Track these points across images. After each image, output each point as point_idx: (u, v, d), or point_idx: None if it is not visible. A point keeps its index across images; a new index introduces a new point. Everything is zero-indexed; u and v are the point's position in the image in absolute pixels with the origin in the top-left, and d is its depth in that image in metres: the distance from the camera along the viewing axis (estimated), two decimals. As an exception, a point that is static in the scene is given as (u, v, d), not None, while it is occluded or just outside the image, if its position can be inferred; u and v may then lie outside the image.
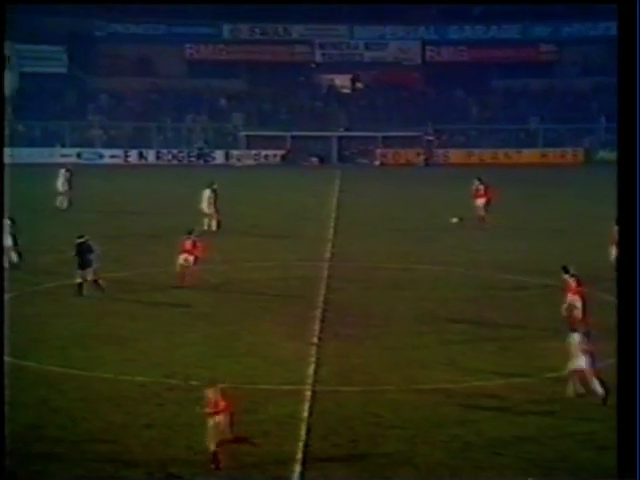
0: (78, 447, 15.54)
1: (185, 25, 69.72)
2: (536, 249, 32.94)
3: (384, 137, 65.96)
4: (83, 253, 26.02)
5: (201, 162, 63.65)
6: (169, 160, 64.12)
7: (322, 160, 65.28)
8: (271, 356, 20.44)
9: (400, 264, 30.46)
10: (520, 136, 67.84)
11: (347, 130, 67.00)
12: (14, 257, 28.87)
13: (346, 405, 17.62)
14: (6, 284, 26.28)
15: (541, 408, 17.40)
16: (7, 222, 28.37)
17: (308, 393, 18.12)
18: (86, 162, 62.23)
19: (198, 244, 27.62)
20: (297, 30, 71.28)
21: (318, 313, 24.10)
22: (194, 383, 18.52)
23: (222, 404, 14.77)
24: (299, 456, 15.27)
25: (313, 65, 71.81)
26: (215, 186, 36.84)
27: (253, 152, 65.18)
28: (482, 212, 37.86)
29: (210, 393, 14.95)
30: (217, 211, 36.27)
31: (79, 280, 25.87)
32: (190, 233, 27.88)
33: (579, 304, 22.89)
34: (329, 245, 33.71)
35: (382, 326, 23.20)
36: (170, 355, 20.46)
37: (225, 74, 69.26)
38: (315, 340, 21.81)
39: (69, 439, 15.87)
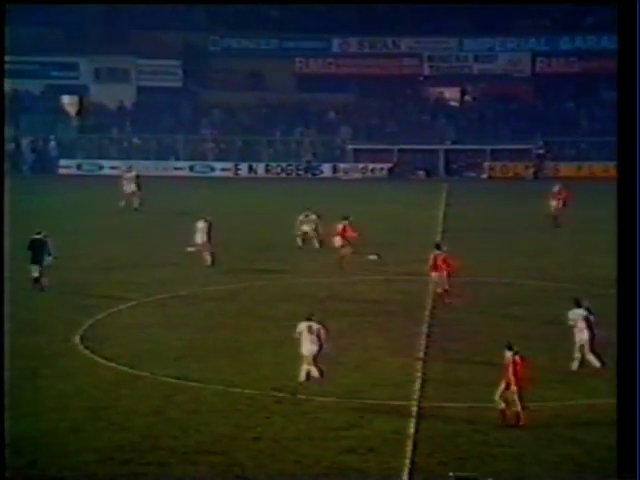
0: (190, 458, 15.96)
1: (295, 39, 70.53)
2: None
3: (492, 150, 65.35)
4: (35, 249, 27.59)
5: (309, 175, 64.22)
6: (278, 173, 64.89)
7: (429, 173, 65.04)
8: (377, 371, 20.57)
9: (508, 279, 30.23)
10: (632, 149, 66.30)
11: (455, 143, 66.62)
12: None
13: (452, 422, 17.62)
14: (121, 293, 27.44)
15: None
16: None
17: (414, 409, 18.20)
18: (198, 175, 63.59)
19: (348, 229, 31.69)
20: (406, 43, 71.25)
21: (424, 328, 24.15)
22: (301, 397, 18.84)
23: None
24: (405, 473, 15.36)
25: (421, 78, 71.64)
26: (314, 216, 36.35)
27: (360, 165, 65.39)
28: (557, 212, 40.59)
29: None
30: (314, 231, 36.24)
31: (35, 275, 27.47)
32: (345, 219, 31.91)
33: (442, 280, 26.12)
34: (436, 259, 33.60)
35: (489, 342, 23.03)
36: (279, 368, 20.77)
37: (333, 88, 69.70)
38: (421, 355, 21.88)
39: (181, 450, 16.28)
